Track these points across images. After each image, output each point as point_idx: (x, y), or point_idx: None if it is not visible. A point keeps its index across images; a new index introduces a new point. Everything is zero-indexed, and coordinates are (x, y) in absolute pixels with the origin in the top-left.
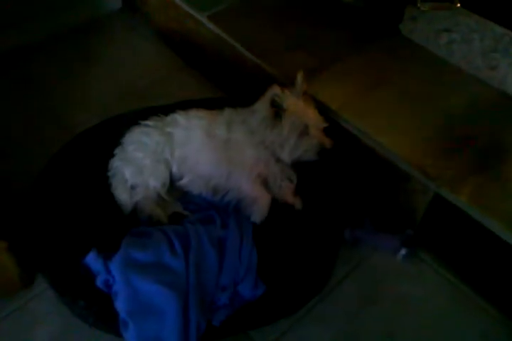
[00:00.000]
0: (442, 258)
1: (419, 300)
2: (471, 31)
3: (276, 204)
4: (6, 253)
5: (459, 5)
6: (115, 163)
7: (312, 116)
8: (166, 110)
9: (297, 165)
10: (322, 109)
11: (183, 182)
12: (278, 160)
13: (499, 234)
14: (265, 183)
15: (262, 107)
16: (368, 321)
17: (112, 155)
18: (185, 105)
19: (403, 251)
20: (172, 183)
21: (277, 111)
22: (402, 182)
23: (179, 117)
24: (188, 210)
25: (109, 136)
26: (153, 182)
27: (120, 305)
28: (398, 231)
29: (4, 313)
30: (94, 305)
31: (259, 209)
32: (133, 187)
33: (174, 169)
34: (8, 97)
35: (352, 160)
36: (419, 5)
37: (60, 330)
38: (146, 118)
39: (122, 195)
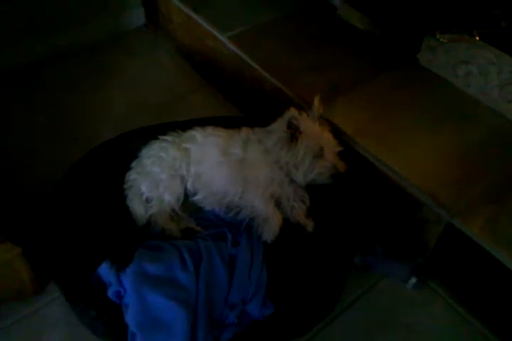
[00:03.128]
0: (453, 290)
1: (428, 330)
2: (488, 64)
3: (288, 225)
4: (19, 259)
5: (477, 38)
6: (132, 176)
7: (327, 140)
8: (184, 126)
9: (310, 188)
10: (337, 133)
11: (197, 197)
12: (292, 181)
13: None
14: (278, 204)
15: (278, 128)
16: None
17: (129, 168)
18: (203, 122)
19: (413, 280)
20: (186, 198)
21: (293, 132)
22: (415, 210)
23: (196, 134)
24: (201, 226)
25: (126, 149)
26: (168, 196)
27: (130, 317)
28: (409, 259)
29: (14, 318)
30: (104, 316)
31: (270, 229)
32: (148, 201)
33: (189, 185)
34: (30, 108)
35: (365, 185)
36: (438, 36)
37: (69, 339)
38: (164, 133)
39: (137, 208)
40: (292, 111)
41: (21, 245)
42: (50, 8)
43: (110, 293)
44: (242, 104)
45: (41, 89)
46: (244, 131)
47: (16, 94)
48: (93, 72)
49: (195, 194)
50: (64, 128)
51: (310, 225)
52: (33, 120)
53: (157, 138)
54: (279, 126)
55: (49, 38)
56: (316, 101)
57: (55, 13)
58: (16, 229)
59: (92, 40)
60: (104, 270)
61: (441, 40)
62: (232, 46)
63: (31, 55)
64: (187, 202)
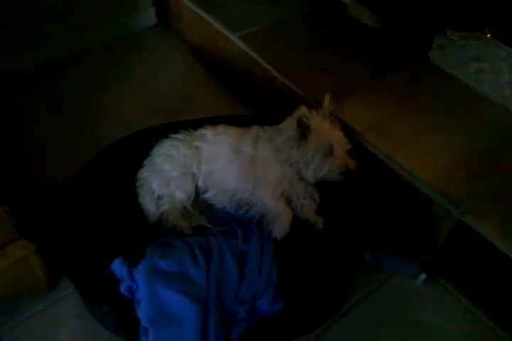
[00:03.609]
0: (462, 286)
1: (438, 327)
2: (500, 61)
3: (298, 222)
4: (34, 255)
5: (489, 35)
6: (143, 174)
7: (337, 137)
8: (195, 124)
9: (321, 185)
10: (347, 130)
11: (208, 195)
12: (302, 178)
13: None
14: (288, 201)
15: (288, 126)
16: None
17: (141, 166)
18: (214, 121)
19: (423, 276)
20: (197, 196)
21: (303, 131)
22: (425, 207)
23: (207, 132)
24: (212, 223)
25: (138, 147)
26: (180, 194)
27: (142, 312)
28: (419, 255)
29: (28, 314)
30: (117, 311)
31: (281, 226)
32: (159, 198)
33: (200, 182)
34: (44, 108)
35: (376, 183)
36: (448, 34)
37: (81, 335)
38: (175, 132)
39: (149, 205)
40: (302, 110)
41: (36, 242)
42: (61, 9)
43: (122, 288)
44: (253, 102)
45: (51, 89)
46: (255, 130)
47: (27, 94)
48: (104, 72)
49: (206, 191)
50: (77, 127)
51: (320, 222)
52: (43, 119)
53: (168, 137)
54: (289, 125)
55: (61, 39)
56: (327, 99)
57: (66, 14)
58: (31, 226)
59: (103, 40)
60: (117, 266)
61: (452, 37)
62: (242, 46)
63: (43, 56)
64: (198, 200)
